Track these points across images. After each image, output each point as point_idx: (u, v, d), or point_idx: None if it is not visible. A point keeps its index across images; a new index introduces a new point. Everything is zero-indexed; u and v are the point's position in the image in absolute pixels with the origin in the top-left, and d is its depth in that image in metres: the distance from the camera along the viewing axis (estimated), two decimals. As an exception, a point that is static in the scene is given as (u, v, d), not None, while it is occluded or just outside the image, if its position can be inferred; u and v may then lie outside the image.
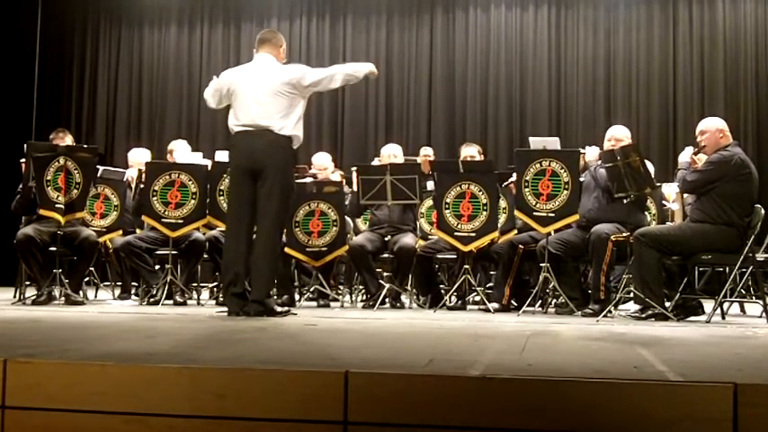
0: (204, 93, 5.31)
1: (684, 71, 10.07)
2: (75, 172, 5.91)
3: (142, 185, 6.22)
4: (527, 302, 5.57)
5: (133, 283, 6.81)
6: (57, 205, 5.82)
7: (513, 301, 5.87)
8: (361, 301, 6.52)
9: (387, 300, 6.12)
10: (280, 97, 4.91)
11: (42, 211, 5.86)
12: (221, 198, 6.07)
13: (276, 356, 2.68)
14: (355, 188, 6.48)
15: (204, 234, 6.33)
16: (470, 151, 6.66)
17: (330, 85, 5.17)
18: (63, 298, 5.90)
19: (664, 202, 6.46)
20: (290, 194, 5.09)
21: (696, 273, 5.85)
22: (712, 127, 5.12)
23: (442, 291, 6.39)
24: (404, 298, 6.37)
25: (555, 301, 5.81)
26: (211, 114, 9.33)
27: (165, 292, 5.98)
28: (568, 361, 2.66)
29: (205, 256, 6.39)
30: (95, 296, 7.19)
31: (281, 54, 5.15)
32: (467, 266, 5.81)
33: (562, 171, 5.53)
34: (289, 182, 5.03)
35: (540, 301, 5.73)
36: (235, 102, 5.01)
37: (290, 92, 4.94)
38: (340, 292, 6.87)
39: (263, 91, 4.91)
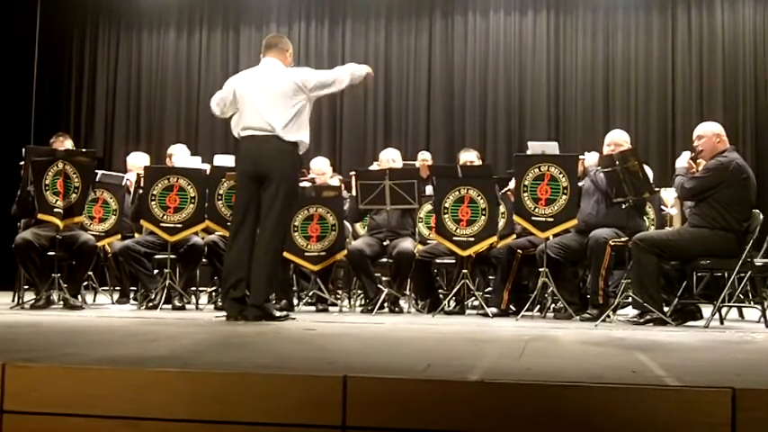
0: (211, 101, 5.24)
1: (683, 76, 10.09)
2: (74, 176, 5.91)
3: (141, 190, 6.22)
4: (525, 307, 5.57)
5: (132, 288, 6.80)
6: (55, 209, 5.81)
7: (511, 306, 5.87)
8: (360, 305, 6.51)
9: (385, 304, 6.11)
10: (286, 102, 4.86)
11: (41, 216, 5.84)
12: (220, 202, 6.07)
13: (275, 361, 2.68)
14: (354, 193, 6.48)
15: (203, 238, 6.34)
16: (469, 157, 6.64)
17: (339, 87, 5.10)
18: (61, 302, 5.89)
19: (662, 206, 6.46)
20: (294, 200, 5.05)
21: (695, 278, 5.85)
22: (709, 132, 5.12)
23: (441, 295, 6.39)
24: (402, 302, 6.37)
25: (553, 305, 5.82)
26: (210, 119, 9.31)
27: (164, 296, 5.97)
28: (567, 365, 2.66)
29: (204, 260, 6.39)
30: (94, 300, 7.19)
31: (288, 59, 5.11)
32: (465, 271, 5.81)
33: (561, 176, 5.53)
34: (294, 187, 5.00)
35: (538, 306, 5.73)
36: (241, 106, 4.96)
37: (296, 96, 4.89)
38: (339, 296, 6.86)
39: (269, 95, 4.87)
